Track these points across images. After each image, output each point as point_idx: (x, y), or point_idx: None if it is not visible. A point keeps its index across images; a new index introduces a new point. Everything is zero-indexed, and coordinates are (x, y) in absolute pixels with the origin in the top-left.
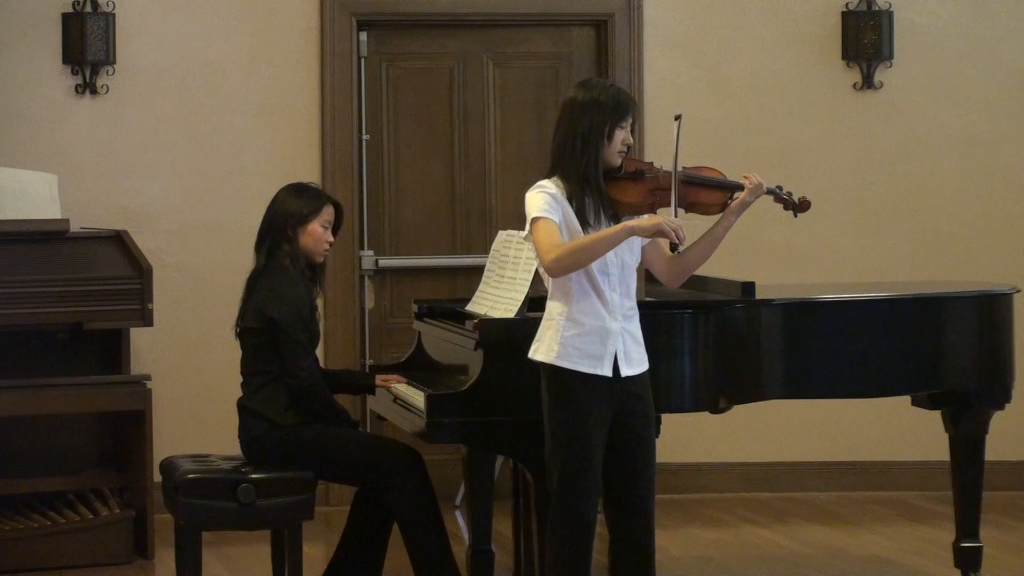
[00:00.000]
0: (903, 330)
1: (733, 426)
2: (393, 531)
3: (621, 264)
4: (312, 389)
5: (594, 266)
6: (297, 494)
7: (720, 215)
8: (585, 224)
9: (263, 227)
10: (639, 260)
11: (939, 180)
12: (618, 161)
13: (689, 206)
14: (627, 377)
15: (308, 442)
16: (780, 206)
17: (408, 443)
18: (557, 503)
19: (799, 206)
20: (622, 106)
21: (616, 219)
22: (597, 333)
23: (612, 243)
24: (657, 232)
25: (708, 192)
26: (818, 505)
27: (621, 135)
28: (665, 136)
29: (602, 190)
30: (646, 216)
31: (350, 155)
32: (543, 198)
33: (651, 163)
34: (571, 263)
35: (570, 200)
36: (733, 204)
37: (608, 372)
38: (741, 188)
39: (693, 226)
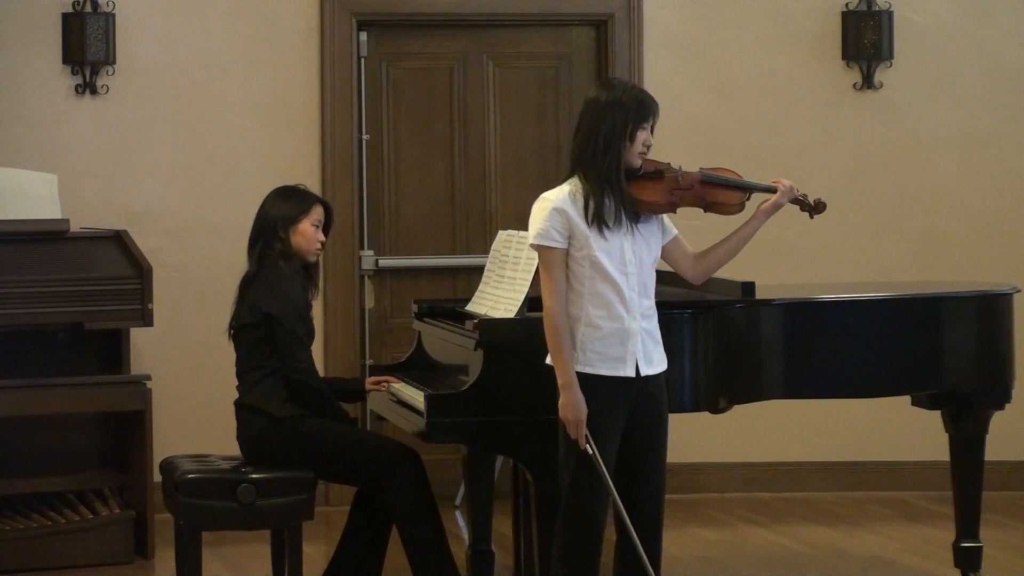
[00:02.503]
0: (903, 330)
1: (733, 426)
2: (393, 531)
3: (639, 262)
4: (310, 382)
5: (612, 266)
6: (297, 494)
7: (740, 215)
8: (603, 225)
9: (254, 231)
10: (658, 258)
11: (939, 180)
12: (639, 162)
13: (709, 206)
14: (646, 377)
15: (308, 436)
16: (797, 207)
17: (407, 443)
18: (567, 504)
19: (815, 208)
20: (645, 107)
21: (636, 218)
22: (617, 335)
23: (558, 373)
24: (564, 419)
25: (728, 192)
26: (818, 505)
27: (643, 136)
28: (665, 136)
29: (624, 191)
30: (577, 409)
31: (350, 155)
32: (544, 216)
33: (668, 163)
34: (546, 331)
35: (587, 200)
36: (765, 205)
37: (631, 373)
38: (770, 190)
39: (703, 225)
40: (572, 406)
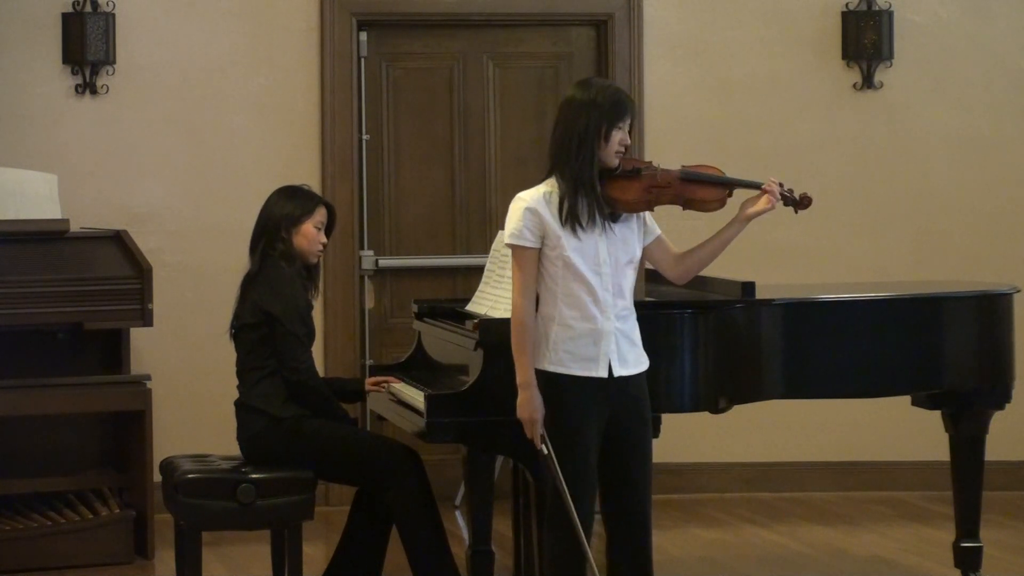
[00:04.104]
0: (903, 330)
1: (733, 426)
2: (393, 531)
3: (614, 263)
4: (310, 383)
5: (585, 266)
6: (297, 494)
7: (722, 212)
8: (576, 225)
9: (256, 230)
10: (638, 258)
11: (939, 180)
12: (615, 162)
13: (688, 203)
14: (622, 377)
15: (308, 436)
16: (781, 202)
17: (407, 443)
18: (554, 504)
19: (800, 202)
20: (619, 106)
21: (613, 219)
22: (590, 335)
23: (518, 371)
24: (522, 420)
25: (708, 189)
26: (818, 505)
27: (618, 136)
28: (666, 136)
29: (596, 191)
30: (533, 409)
31: (350, 155)
32: (518, 216)
33: (649, 162)
34: (512, 329)
35: (562, 201)
36: (751, 211)
37: (603, 373)
38: (754, 186)
39: (693, 227)
40: (528, 406)
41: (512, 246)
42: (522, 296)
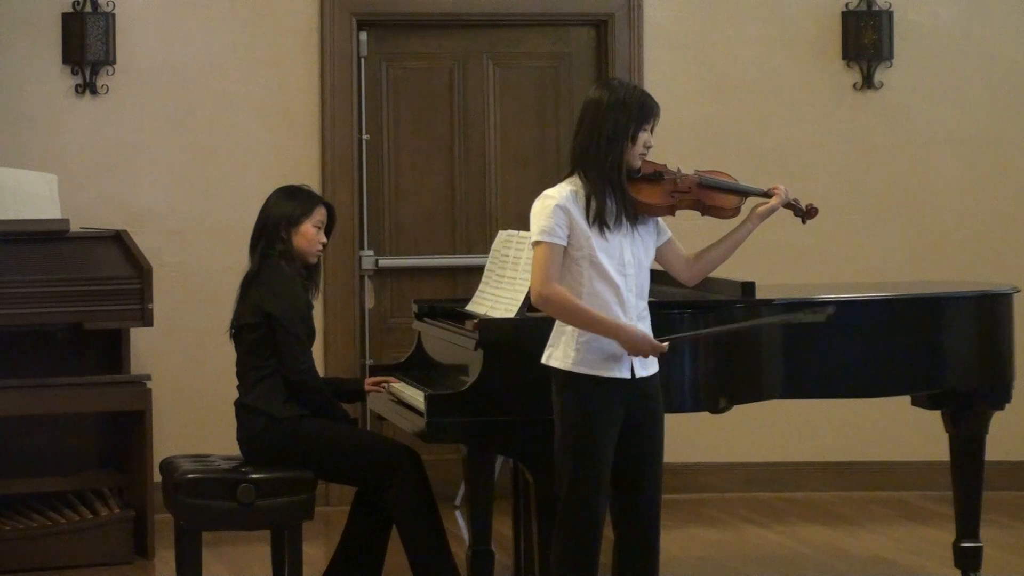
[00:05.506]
0: (903, 330)
1: (733, 426)
2: (393, 531)
3: (638, 264)
4: (310, 383)
5: (611, 267)
6: (297, 494)
7: (735, 219)
8: (603, 226)
9: (256, 230)
10: (652, 259)
11: (939, 180)
12: (639, 163)
13: (707, 209)
14: (641, 378)
15: (307, 436)
16: (790, 212)
17: (407, 443)
18: (566, 503)
19: (807, 213)
20: (647, 108)
21: (635, 220)
22: None
23: (600, 328)
24: (640, 355)
25: (725, 196)
26: (818, 505)
27: (644, 137)
28: (665, 136)
29: (625, 191)
30: (641, 337)
31: (350, 155)
32: (548, 213)
33: (664, 165)
34: (555, 313)
35: (588, 200)
36: (761, 209)
37: (626, 374)
38: (766, 195)
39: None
40: (633, 339)
41: (541, 243)
42: (543, 284)
